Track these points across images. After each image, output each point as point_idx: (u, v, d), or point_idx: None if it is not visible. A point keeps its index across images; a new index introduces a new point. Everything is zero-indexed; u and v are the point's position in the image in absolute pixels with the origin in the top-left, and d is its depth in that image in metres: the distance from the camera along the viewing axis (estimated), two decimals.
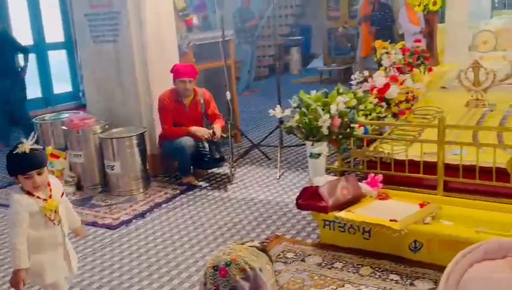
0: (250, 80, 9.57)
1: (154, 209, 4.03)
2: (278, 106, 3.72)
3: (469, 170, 3.19)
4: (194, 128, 4.46)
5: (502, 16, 5.59)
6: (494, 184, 3.09)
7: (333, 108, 3.40)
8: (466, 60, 4.95)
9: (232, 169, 4.72)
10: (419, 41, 4.96)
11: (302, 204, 3.07)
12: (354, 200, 3.06)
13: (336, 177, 3.28)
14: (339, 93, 3.67)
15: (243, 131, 5.85)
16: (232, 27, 7.92)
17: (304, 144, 3.81)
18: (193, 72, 4.48)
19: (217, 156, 4.45)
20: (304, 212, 3.61)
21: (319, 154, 3.42)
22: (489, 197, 3.10)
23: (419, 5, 4.96)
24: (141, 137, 4.38)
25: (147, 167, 4.46)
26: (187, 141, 4.40)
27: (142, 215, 3.92)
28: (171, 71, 4.53)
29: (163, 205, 4.10)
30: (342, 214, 2.89)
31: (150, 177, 4.52)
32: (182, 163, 4.49)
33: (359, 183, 3.19)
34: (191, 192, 4.39)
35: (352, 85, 4.30)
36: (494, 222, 2.70)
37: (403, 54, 4.64)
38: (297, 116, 3.47)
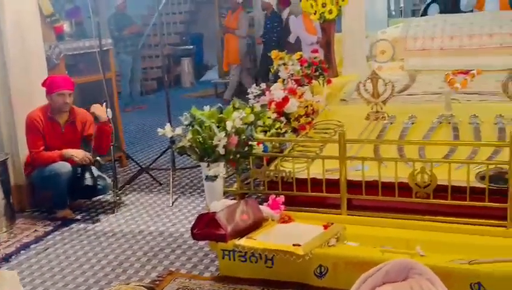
0: (134, 95, 9.41)
1: (21, 251, 3.77)
2: (168, 124, 3.68)
3: (372, 186, 3.39)
4: (70, 152, 4.26)
5: (399, 25, 6.07)
6: (397, 199, 3.31)
7: (229, 125, 3.44)
8: (365, 70, 5.32)
9: (117, 198, 4.58)
10: (316, 51, 5.22)
11: (198, 233, 3.04)
12: (255, 225, 3.09)
13: (234, 201, 3.30)
14: (235, 109, 3.72)
15: (129, 154, 5.71)
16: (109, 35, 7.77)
17: (199, 166, 3.80)
18: (72, 84, 4.31)
19: (98, 183, 4.28)
20: (201, 243, 3.58)
21: (216, 177, 3.43)
22: (393, 213, 3.32)
23: (314, 14, 5.22)
24: (2, 165, 4.08)
25: (11, 201, 4.16)
26: (62, 167, 4.19)
27: (6, 259, 3.65)
28: (44, 85, 4.31)
29: (32, 246, 3.85)
30: (242, 241, 2.91)
31: (15, 213, 4.23)
32: (56, 193, 4.27)
33: (260, 206, 3.24)
34: (67, 228, 4.16)
35: (249, 99, 4.39)
36: (399, 240, 2.89)
37: (301, 65, 4.84)
38: (189, 135, 3.46)
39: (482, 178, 3.23)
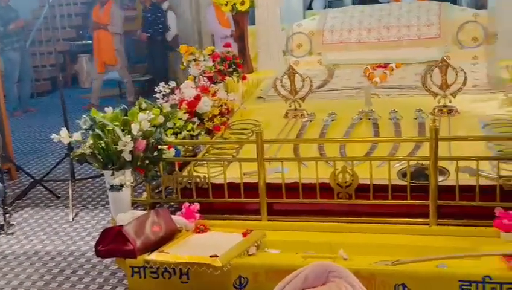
0: (24, 97, 9.03)
1: None
2: (64, 128, 3.57)
3: (293, 189, 3.49)
4: None
5: (315, 17, 6.27)
6: (319, 201, 3.43)
7: (135, 128, 3.40)
8: (282, 65, 5.45)
9: (7, 215, 4.38)
10: (229, 45, 5.28)
11: (103, 250, 2.98)
12: (168, 237, 3.08)
13: (144, 212, 3.26)
14: (141, 110, 3.69)
15: (19, 164, 5.48)
16: None
17: (102, 175, 3.72)
18: None
19: None
20: (107, 260, 3.51)
21: (122, 186, 3.38)
22: (315, 216, 3.43)
23: (226, 5, 5.27)
24: None
25: None
26: None
27: None
28: None
29: None
30: (154, 256, 2.89)
31: None
32: None
33: (173, 216, 3.23)
34: None
35: (157, 98, 4.36)
36: (322, 244, 2.99)
37: (213, 61, 4.87)
38: (90, 141, 3.38)
39: (403, 175, 3.42)
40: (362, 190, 3.39)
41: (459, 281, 2.52)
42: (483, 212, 3.11)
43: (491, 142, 3.59)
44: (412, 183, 3.35)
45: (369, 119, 4.22)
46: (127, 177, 3.41)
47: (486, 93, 4.57)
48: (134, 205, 3.64)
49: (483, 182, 3.26)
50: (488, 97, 4.48)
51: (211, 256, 2.79)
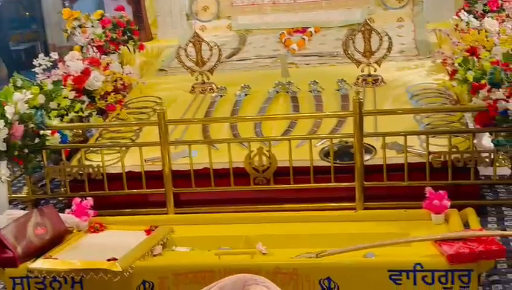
0: None
1: None
2: None
3: (203, 176, 3.48)
4: None
5: None
6: (234, 189, 3.44)
7: (10, 111, 3.27)
8: (185, 32, 5.37)
9: None
10: (122, 9, 5.12)
11: None
12: (55, 240, 2.98)
13: (25, 212, 3.14)
14: (16, 88, 3.54)
15: None
16: None
17: None
18: None
19: None
20: None
21: None
22: (230, 206, 3.44)
23: None
24: None
25: None
26: None
27: None
28: None
29: None
30: (39, 263, 2.78)
31: None
32: None
33: (61, 214, 3.12)
34: None
35: (36, 74, 4.17)
36: (238, 237, 2.99)
37: (103, 28, 4.72)
38: None
39: (326, 155, 3.49)
40: (281, 174, 3.43)
41: (388, 270, 2.59)
42: (413, 193, 3.22)
43: (419, 114, 3.72)
44: (336, 163, 3.42)
45: (287, 92, 4.26)
46: (1, 170, 3.27)
47: (413, 60, 4.73)
48: (13, 202, 3.50)
49: (412, 159, 3.38)
50: (415, 64, 4.64)
51: (108, 260, 2.71)
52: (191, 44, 4.45)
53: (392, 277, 2.60)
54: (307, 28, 5.52)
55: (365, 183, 3.34)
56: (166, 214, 3.45)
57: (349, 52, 4.35)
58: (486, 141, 3.83)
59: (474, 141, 3.48)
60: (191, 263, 2.78)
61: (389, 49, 4.28)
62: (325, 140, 3.57)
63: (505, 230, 3.23)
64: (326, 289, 2.64)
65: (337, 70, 4.59)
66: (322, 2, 5.73)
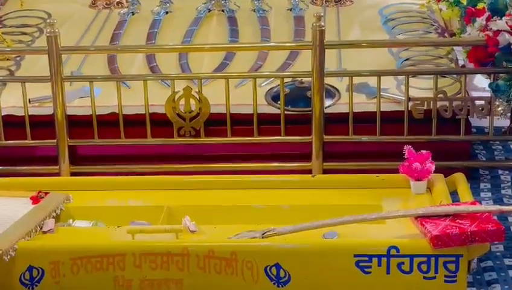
0: None
1: None
2: None
3: (109, 123, 3.45)
4: None
5: None
6: (151, 142, 3.43)
7: None
8: None
9: None
10: None
11: None
12: None
13: None
14: None
15: None
16: None
17: None
18: None
19: None
20: None
21: None
22: (146, 164, 3.46)
23: None
24: None
25: None
26: None
27: None
28: None
29: None
30: None
31: None
32: None
33: None
34: None
35: None
36: (157, 208, 2.96)
37: None
38: None
39: (275, 99, 3.49)
40: (215, 123, 3.42)
41: (355, 255, 2.61)
42: (387, 151, 3.28)
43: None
44: (288, 110, 3.42)
45: (222, 10, 4.22)
46: None
47: None
48: None
49: (387, 106, 3.41)
50: None
51: None
52: None
53: (360, 264, 2.63)
54: None
55: (325, 137, 3.36)
56: (59, 175, 3.40)
57: None
58: (479, 83, 3.91)
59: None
60: (94, 244, 2.75)
61: None
62: (272, 79, 3.55)
63: (501, 201, 3.32)
64: (273, 279, 2.66)
65: None
66: None
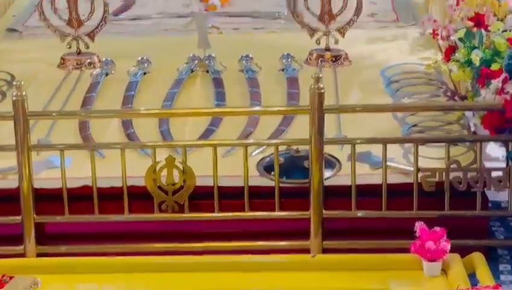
0: None
1: None
2: None
3: (81, 197, 3.43)
4: None
5: None
6: (129, 219, 3.41)
7: None
8: None
9: None
10: None
11: None
12: None
13: None
14: None
15: None
16: None
17: None
18: None
19: None
20: None
21: None
22: (122, 243, 3.41)
23: None
24: None
25: None
26: None
27: None
28: None
29: None
30: None
31: None
32: None
33: None
34: None
35: None
36: None
37: None
38: None
39: (268, 169, 3.49)
40: (201, 197, 3.41)
41: None
42: (395, 228, 3.27)
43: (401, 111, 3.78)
44: (283, 182, 3.42)
45: (207, 71, 4.26)
46: None
47: (390, 28, 4.82)
48: None
49: (393, 178, 3.42)
50: (393, 34, 4.72)
51: None
52: None
53: None
54: None
55: (325, 212, 3.35)
56: (24, 255, 3.36)
57: (298, 14, 4.37)
58: (493, 151, 3.93)
59: None
60: None
61: (358, 11, 4.34)
62: (265, 147, 3.57)
63: None
64: None
65: (281, 40, 4.62)
66: None
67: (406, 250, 3.02)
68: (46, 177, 3.48)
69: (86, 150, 3.51)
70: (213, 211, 3.40)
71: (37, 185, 3.41)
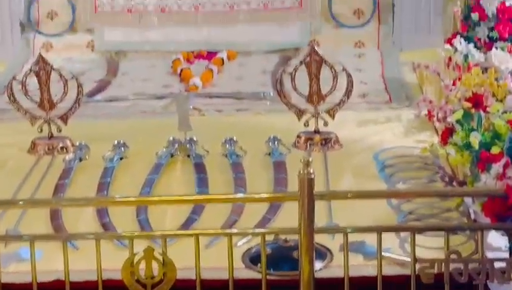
0: None
1: None
2: None
3: None
4: None
5: None
6: None
7: None
8: (21, 52, 5.34)
9: None
10: None
11: None
12: None
13: None
14: None
15: None
16: None
17: None
18: None
19: None
20: None
21: None
22: None
23: None
24: None
25: None
26: None
27: None
28: None
29: None
30: None
31: None
32: None
33: None
34: None
35: None
36: None
37: None
38: None
39: (254, 261, 3.48)
40: None
41: None
42: None
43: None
44: (270, 274, 3.40)
45: (188, 156, 4.28)
46: None
47: (382, 109, 4.87)
48: None
49: (389, 269, 3.41)
50: (386, 116, 4.77)
51: None
52: (31, 72, 4.40)
53: None
54: (217, 51, 5.58)
55: None
56: None
57: (285, 94, 4.41)
58: (495, 240, 3.93)
59: None
60: None
61: (348, 92, 4.38)
62: (251, 237, 3.56)
63: None
64: None
65: (267, 122, 4.66)
66: (240, 12, 5.83)
67: None
68: (15, 271, 3.46)
69: (57, 241, 3.47)
70: None
71: (5, 279, 3.36)
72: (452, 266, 3.33)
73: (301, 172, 3.30)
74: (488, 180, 3.47)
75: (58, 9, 5.78)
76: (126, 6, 5.79)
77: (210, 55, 5.54)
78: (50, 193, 3.99)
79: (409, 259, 3.37)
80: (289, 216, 3.48)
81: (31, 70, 4.40)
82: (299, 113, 4.38)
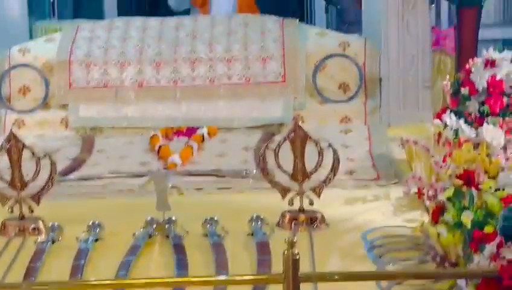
0: None
1: None
2: None
3: None
4: None
5: (54, 35, 6.28)
6: None
7: None
8: None
9: None
10: None
11: None
12: None
13: None
14: None
15: None
16: None
17: None
18: None
19: None
20: None
21: None
22: None
23: None
24: None
25: None
26: None
27: None
28: None
29: None
30: None
31: None
32: None
33: None
34: None
35: None
36: None
37: None
38: None
39: None
40: None
41: None
42: None
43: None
44: None
45: (167, 236, 4.28)
46: None
47: (370, 187, 4.90)
48: None
49: None
50: (374, 194, 4.80)
51: None
52: (1, 150, 4.41)
53: None
54: (196, 127, 5.61)
55: None
56: None
57: (268, 172, 4.43)
58: None
59: None
60: None
61: (334, 169, 4.40)
62: None
63: None
64: None
65: (249, 201, 4.67)
66: (220, 87, 5.88)
67: None
68: None
69: None
70: None
71: None
72: None
73: (285, 253, 3.32)
74: (481, 261, 3.47)
75: (31, 84, 5.82)
76: (102, 81, 5.84)
77: (190, 131, 5.57)
78: (21, 277, 3.95)
79: None
80: None
81: (1, 147, 4.40)
82: (283, 191, 4.39)
